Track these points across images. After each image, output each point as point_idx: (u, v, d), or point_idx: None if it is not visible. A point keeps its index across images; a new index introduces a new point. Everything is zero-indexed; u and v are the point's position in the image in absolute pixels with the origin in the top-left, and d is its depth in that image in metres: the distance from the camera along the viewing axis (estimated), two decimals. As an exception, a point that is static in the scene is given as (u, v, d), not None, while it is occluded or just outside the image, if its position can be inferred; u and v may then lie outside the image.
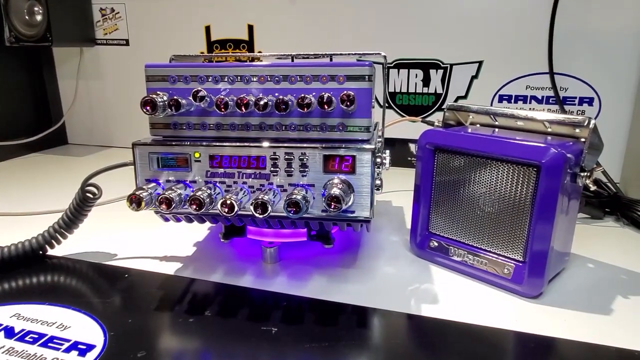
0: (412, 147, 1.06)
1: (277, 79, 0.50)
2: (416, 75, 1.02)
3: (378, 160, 0.51)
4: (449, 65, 1.00)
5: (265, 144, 0.50)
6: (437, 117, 0.80)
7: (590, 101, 0.93)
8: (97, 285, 0.57)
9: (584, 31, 0.90)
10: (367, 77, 0.49)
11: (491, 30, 0.95)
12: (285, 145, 0.50)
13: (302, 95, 0.47)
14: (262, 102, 0.47)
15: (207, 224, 0.72)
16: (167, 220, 0.58)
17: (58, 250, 0.63)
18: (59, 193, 0.92)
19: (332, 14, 1.04)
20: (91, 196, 0.61)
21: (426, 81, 1.02)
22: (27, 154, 1.24)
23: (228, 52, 1.13)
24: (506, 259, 0.54)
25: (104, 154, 1.27)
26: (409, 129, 1.02)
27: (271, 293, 0.54)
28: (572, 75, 0.93)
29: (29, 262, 0.61)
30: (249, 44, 1.12)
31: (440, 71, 1.01)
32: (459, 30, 0.97)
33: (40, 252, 0.62)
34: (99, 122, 1.32)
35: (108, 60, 1.25)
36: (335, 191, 0.46)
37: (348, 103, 0.46)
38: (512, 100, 0.97)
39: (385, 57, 0.58)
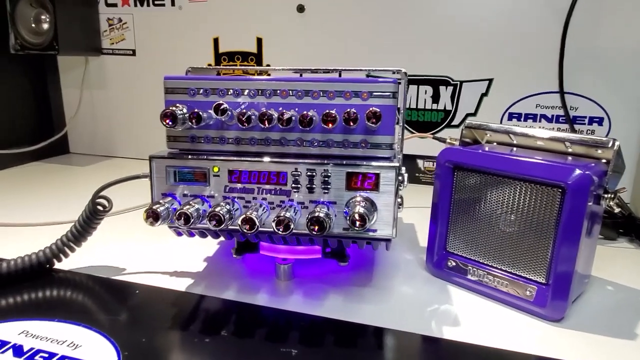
0: (420, 164, 1.06)
1: (299, 93, 0.49)
2: (425, 91, 1.02)
3: (400, 177, 0.50)
4: (458, 82, 1.00)
5: (288, 159, 0.49)
6: (448, 134, 0.80)
7: (600, 121, 0.93)
8: (107, 302, 0.55)
9: (594, 51, 0.90)
10: (391, 94, 0.48)
11: (502, 48, 0.96)
12: (308, 161, 0.49)
13: (327, 111, 0.46)
14: (285, 117, 0.47)
15: (217, 239, 0.71)
16: (180, 234, 0.57)
17: (64, 264, 0.61)
18: (61, 203, 0.90)
19: (342, 29, 1.04)
20: (101, 209, 0.60)
21: (435, 97, 1.02)
22: (27, 163, 1.22)
23: (236, 65, 1.13)
24: (528, 281, 0.53)
25: (106, 164, 1.25)
26: (417, 145, 1.02)
27: (288, 312, 0.52)
28: (582, 95, 0.93)
29: (35, 275, 0.59)
30: (258, 57, 1.12)
31: (450, 88, 1.00)
32: (469, 47, 0.98)
33: (47, 266, 0.60)
34: (101, 132, 1.31)
35: (114, 70, 1.24)
36: (361, 209, 0.45)
37: (374, 120, 0.46)
38: (522, 119, 0.97)
39: (405, 73, 0.58)
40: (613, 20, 0.88)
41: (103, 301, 0.55)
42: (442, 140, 0.79)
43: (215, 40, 1.14)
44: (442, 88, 1.01)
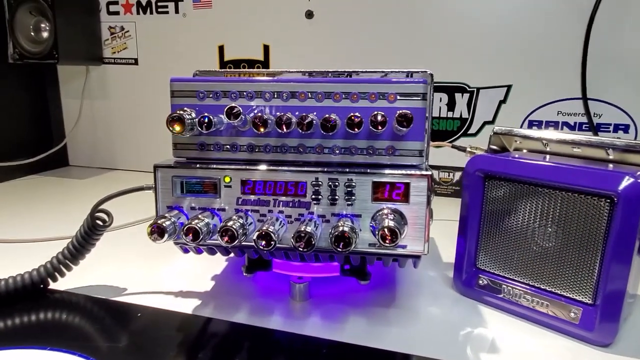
0: (435, 174, 1.01)
1: (319, 96, 0.45)
2: (440, 99, 0.98)
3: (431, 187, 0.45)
4: (475, 89, 0.96)
5: (307, 168, 0.44)
6: (467, 143, 0.75)
7: (625, 128, 0.89)
8: (106, 326, 0.50)
9: (619, 54, 0.86)
10: (421, 95, 0.44)
11: (521, 53, 0.92)
12: (330, 169, 0.44)
13: (353, 114, 0.42)
14: (306, 121, 0.42)
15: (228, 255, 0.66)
16: (186, 251, 0.52)
17: (60, 284, 0.56)
18: (59, 218, 0.85)
19: (352, 35, 1.00)
20: (101, 223, 0.55)
21: (451, 105, 0.98)
22: (25, 176, 1.18)
23: (243, 70, 1.09)
24: (572, 301, 0.48)
25: (107, 177, 1.20)
26: (432, 155, 0.97)
27: (306, 337, 0.47)
28: (606, 101, 0.89)
29: (28, 297, 0.54)
30: (264, 64, 1.08)
31: (467, 95, 0.96)
32: (486, 52, 0.94)
33: (42, 286, 0.55)
34: (102, 144, 1.26)
35: (115, 79, 1.20)
36: (390, 223, 0.40)
37: (405, 124, 0.41)
38: (543, 127, 0.93)
39: (431, 75, 0.53)
40: (638, 24, 0.84)
41: (102, 325, 0.50)
42: (462, 149, 0.75)
43: (221, 48, 1.10)
44: (457, 95, 0.97)
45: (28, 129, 1.22)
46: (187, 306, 0.53)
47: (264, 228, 0.41)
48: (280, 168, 0.45)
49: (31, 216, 0.87)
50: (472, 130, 0.98)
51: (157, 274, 0.62)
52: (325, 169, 0.44)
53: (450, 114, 0.98)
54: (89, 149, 1.28)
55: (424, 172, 0.43)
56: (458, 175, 0.99)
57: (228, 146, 0.47)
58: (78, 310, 0.53)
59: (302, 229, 0.41)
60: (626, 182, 0.43)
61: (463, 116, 0.98)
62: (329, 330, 0.49)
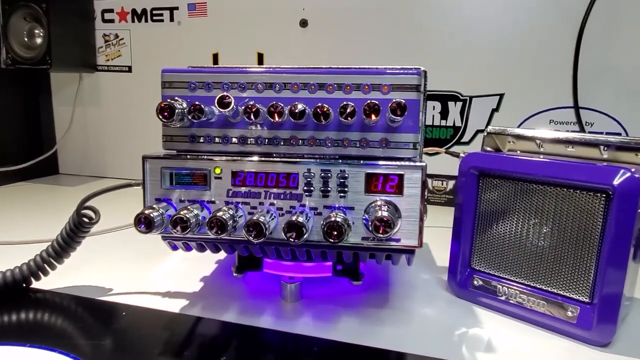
0: (429, 183, 1.00)
1: (312, 87, 0.44)
2: (434, 107, 0.98)
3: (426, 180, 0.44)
4: (468, 98, 0.96)
5: (299, 159, 0.44)
6: (461, 149, 0.75)
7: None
8: (89, 325, 0.48)
9: (609, 64, 0.87)
10: (415, 86, 0.43)
11: (513, 62, 0.92)
12: (323, 161, 0.43)
13: (345, 102, 0.41)
14: (297, 110, 0.41)
15: (215, 258, 0.65)
16: (175, 248, 0.50)
17: (44, 283, 0.54)
18: (46, 222, 0.83)
19: (346, 44, 1.01)
20: (87, 220, 0.53)
21: (444, 113, 0.98)
22: (14, 183, 1.16)
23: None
24: (569, 300, 0.47)
25: (96, 185, 1.19)
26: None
27: (297, 336, 0.46)
28: (597, 110, 0.89)
29: (9, 295, 0.52)
30: (258, 73, 1.08)
31: (459, 103, 0.97)
32: (479, 61, 0.94)
33: (24, 285, 0.54)
34: (93, 152, 1.25)
35: (108, 87, 1.20)
36: (384, 213, 0.39)
37: (399, 112, 0.40)
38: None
39: (425, 72, 0.53)
40: (630, 32, 0.86)
41: (85, 324, 0.48)
42: (456, 155, 0.75)
43: (215, 56, 1.10)
44: (450, 104, 0.97)
45: (18, 135, 1.21)
46: (174, 306, 0.52)
47: (255, 218, 0.40)
48: (271, 159, 0.44)
49: (17, 220, 0.85)
50: (465, 138, 0.98)
51: (144, 275, 0.60)
52: (318, 160, 0.43)
53: (443, 122, 0.98)
54: (80, 156, 1.27)
55: (418, 164, 0.42)
56: (451, 183, 0.99)
57: (219, 138, 0.46)
58: (60, 309, 0.51)
59: (294, 219, 0.40)
60: (622, 176, 0.43)
61: (456, 124, 0.98)
62: (320, 330, 0.47)
